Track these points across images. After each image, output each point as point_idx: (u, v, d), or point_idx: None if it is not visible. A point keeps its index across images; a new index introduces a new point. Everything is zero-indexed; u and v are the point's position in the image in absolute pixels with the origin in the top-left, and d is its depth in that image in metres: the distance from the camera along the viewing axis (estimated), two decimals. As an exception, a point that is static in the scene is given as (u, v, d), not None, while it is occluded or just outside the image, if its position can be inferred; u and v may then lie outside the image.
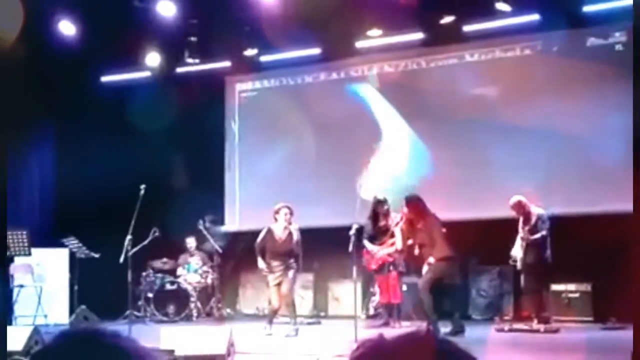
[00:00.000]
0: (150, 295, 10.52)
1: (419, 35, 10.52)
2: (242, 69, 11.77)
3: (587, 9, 9.56)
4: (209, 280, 10.92)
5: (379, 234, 9.24)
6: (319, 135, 11.40)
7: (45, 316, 9.73)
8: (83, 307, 10.05)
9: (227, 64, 11.66)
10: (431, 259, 8.15)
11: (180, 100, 10.97)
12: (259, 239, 8.73)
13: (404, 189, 9.47)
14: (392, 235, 9.16)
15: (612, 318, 8.51)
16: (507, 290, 9.76)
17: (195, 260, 11.00)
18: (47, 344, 1.15)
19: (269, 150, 11.64)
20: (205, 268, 10.94)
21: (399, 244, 8.45)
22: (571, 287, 9.33)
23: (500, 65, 10.39)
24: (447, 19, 9.94)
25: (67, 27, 10.40)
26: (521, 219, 8.75)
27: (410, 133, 10.81)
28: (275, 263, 8.59)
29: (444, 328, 7.96)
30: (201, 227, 10.86)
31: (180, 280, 10.70)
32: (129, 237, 8.20)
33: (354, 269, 7.66)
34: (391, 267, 9.16)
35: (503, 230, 8.96)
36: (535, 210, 8.71)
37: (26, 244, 9.24)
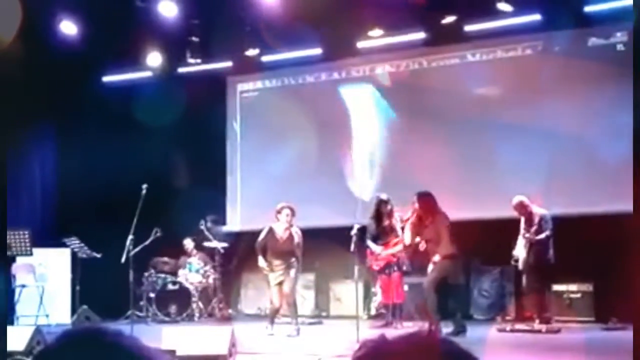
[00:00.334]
0: (152, 295, 10.53)
1: (420, 35, 10.52)
2: (243, 69, 11.78)
3: (589, 9, 9.55)
4: (211, 281, 10.92)
5: (383, 233, 9.23)
6: (321, 135, 11.40)
7: (47, 316, 9.73)
8: (85, 307, 10.06)
9: (228, 64, 11.67)
10: (437, 257, 8.13)
11: (181, 101, 10.98)
12: (260, 238, 8.73)
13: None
14: (396, 235, 9.14)
15: (613, 318, 8.51)
16: (509, 290, 9.75)
17: (197, 261, 11.00)
18: (49, 343, 1.15)
19: (270, 150, 11.64)
20: (206, 268, 10.94)
21: (407, 240, 8.41)
22: (573, 287, 9.32)
23: (502, 65, 10.38)
24: (449, 19, 9.94)
25: (68, 27, 10.40)
26: (523, 220, 8.74)
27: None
28: (276, 262, 8.59)
29: (446, 328, 7.96)
30: (203, 227, 10.86)
31: (182, 280, 10.70)
32: (130, 237, 8.21)
33: (356, 269, 7.66)
34: (395, 268, 9.16)
35: (505, 230, 8.96)
36: (538, 210, 8.70)
37: (28, 244, 9.25)
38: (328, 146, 11.31)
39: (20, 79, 9.53)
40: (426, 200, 8.32)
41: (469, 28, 10.13)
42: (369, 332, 7.53)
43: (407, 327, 8.74)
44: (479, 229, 9.15)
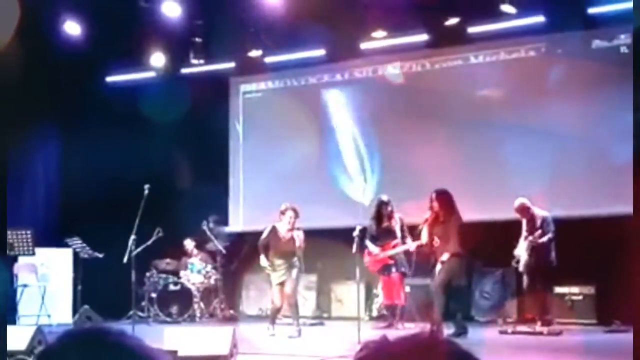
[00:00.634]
0: (153, 295, 10.53)
1: (423, 37, 10.51)
2: (246, 70, 11.78)
3: (592, 11, 9.54)
4: (213, 281, 10.92)
5: (382, 235, 9.24)
6: (323, 136, 11.41)
7: (49, 316, 9.74)
8: (86, 307, 10.06)
9: (231, 64, 11.68)
10: (445, 256, 8.09)
11: (184, 101, 10.99)
12: (262, 237, 8.73)
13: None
14: (395, 237, 9.17)
15: (615, 321, 8.49)
16: (511, 292, 9.74)
17: (199, 261, 11.00)
18: (52, 343, 1.15)
19: (273, 151, 11.64)
20: (208, 269, 10.94)
21: (424, 239, 8.39)
22: (575, 289, 9.31)
23: (505, 67, 10.38)
24: (452, 21, 9.94)
25: (72, 28, 10.42)
26: (525, 222, 8.73)
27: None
28: (278, 262, 8.59)
29: (447, 329, 7.95)
30: (205, 227, 10.87)
31: (183, 280, 10.71)
32: (132, 237, 8.21)
33: (358, 270, 7.66)
34: (393, 269, 9.16)
35: (507, 231, 8.95)
36: (539, 212, 8.69)
37: (30, 244, 9.26)
38: (329, 147, 11.33)
39: (23, 79, 9.54)
40: (444, 198, 8.29)
41: (472, 30, 10.12)
42: (371, 333, 7.53)
43: (408, 329, 8.74)
44: (481, 230, 9.13)
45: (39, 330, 6.74)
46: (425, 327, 8.11)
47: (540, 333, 8.23)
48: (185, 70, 11.60)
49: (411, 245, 9.05)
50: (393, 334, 1.09)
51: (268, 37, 10.52)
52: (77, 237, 10.30)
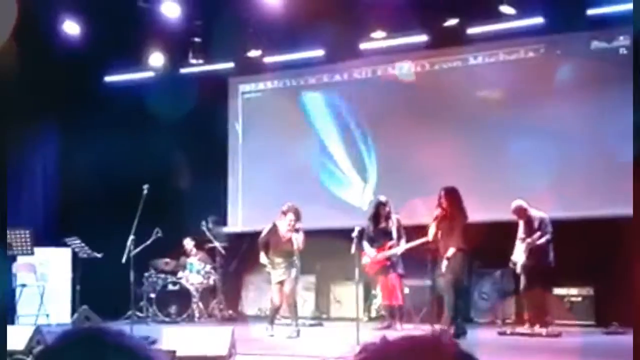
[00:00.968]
0: (152, 295, 10.53)
1: (422, 38, 10.52)
2: (245, 70, 11.78)
3: (591, 12, 9.54)
4: (211, 281, 10.92)
5: (378, 235, 9.24)
6: (322, 137, 11.41)
7: (47, 315, 9.74)
8: (85, 307, 10.05)
9: (230, 64, 11.67)
10: (450, 251, 8.04)
11: (183, 101, 10.98)
12: (263, 233, 8.73)
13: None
14: (391, 238, 9.19)
15: (614, 322, 8.49)
16: (509, 293, 9.74)
17: (197, 261, 11.00)
18: (51, 342, 1.15)
19: (272, 151, 11.64)
20: (207, 269, 10.94)
21: (430, 235, 8.37)
22: (573, 291, 9.32)
23: (504, 68, 10.38)
24: (451, 22, 9.94)
25: (71, 27, 10.41)
26: (522, 223, 8.72)
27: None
28: (278, 260, 8.59)
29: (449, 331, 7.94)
30: (204, 227, 10.87)
31: (182, 280, 10.70)
32: (131, 237, 8.21)
33: (357, 270, 7.65)
34: (390, 270, 9.17)
35: (506, 232, 8.94)
36: (537, 214, 8.68)
37: (29, 243, 9.25)
38: (329, 148, 11.33)
39: (23, 79, 9.54)
40: (453, 196, 8.27)
41: (471, 31, 10.12)
42: (369, 334, 7.52)
43: (407, 329, 8.74)
44: (480, 231, 9.13)
45: (38, 330, 6.74)
46: (425, 328, 8.14)
47: (539, 334, 8.23)
48: (184, 70, 11.60)
49: (400, 248, 9.05)
50: (392, 334, 1.09)
51: (267, 38, 10.52)
52: (76, 236, 10.29)
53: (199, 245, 11.15)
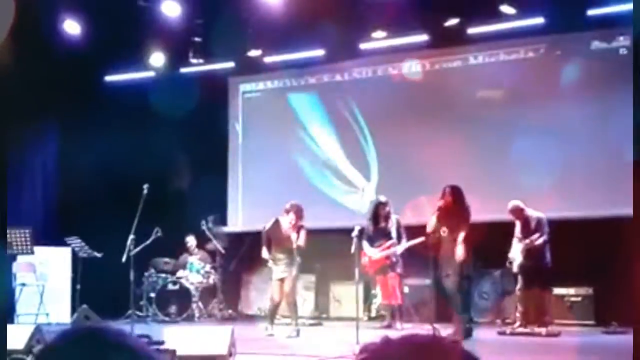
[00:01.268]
0: (152, 295, 10.53)
1: (423, 38, 10.52)
2: (245, 70, 11.78)
3: (592, 12, 9.55)
4: (211, 281, 10.92)
5: (378, 235, 9.25)
6: (322, 136, 11.42)
7: (47, 315, 9.74)
8: (85, 306, 10.04)
9: (231, 64, 11.68)
10: (460, 236, 7.96)
11: (184, 101, 10.98)
12: (266, 228, 8.74)
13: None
14: (390, 238, 9.19)
15: (613, 322, 8.50)
16: (509, 293, 9.74)
17: (197, 260, 11.01)
18: (52, 341, 1.15)
19: (272, 151, 11.65)
20: (207, 268, 10.94)
21: (429, 227, 8.34)
22: (573, 290, 9.32)
23: (504, 68, 10.38)
24: (452, 22, 9.94)
25: (71, 27, 10.41)
26: (519, 224, 8.72)
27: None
28: (279, 255, 8.60)
29: (448, 330, 7.94)
30: (204, 227, 10.87)
31: (182, 280, 10.71)
32: (131, 236, 8.21)
33: (356, 270, 7.65)
34: (389, 269, 9.17)
35: (506, 232, 8.94)
36: (534, 214, 8.67)
37: (29, 243, 9.25)
38: (329, 147, 11.33)
39: (23, 78, 9.54)
40: (457, 194, 8.24)
41: (471, 31, 10.13)
42: (369, 333, 7.52)
43: (407, 329, 8.74)
44: (480, 230, 9.13)
45: (38, 329, 6.73)
46: (424, 327, 8.13)
47: (539, 334, 8.23)
48: (184, 70, 11.60)
49: (401, 246, 9.04)
50: (392, 334, 1.09)
51: (267, 37, 10.51)
52: (76, 236, 10.29)
53: (200, 244, 11.16)
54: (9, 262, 8.82)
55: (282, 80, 11.87)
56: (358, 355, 1.04)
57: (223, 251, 11.00)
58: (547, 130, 9.77)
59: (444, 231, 8.10)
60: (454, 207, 8.09)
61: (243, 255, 11.32)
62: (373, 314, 10.16)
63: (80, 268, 10.34)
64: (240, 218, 11.91)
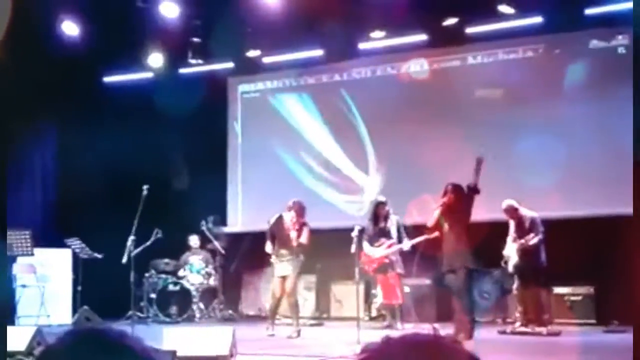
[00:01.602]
0: (152, 296, 10.53)
1: (422, 37, 10.52)
2: (244, 70, 11.79)
3: (590, 11, 9.56)
4: (212, 281, 10.92)
5: (378, 235, 9.25)
6: (321, 136, 11.42)
7: (48, 316, 9.73)
8: (85, 307, 10.06)
9: (229, 64, 11.68)
10: (461, 244, 7.91)
11: (182, 101, 10.98)
12: (270, 223, 8.75)
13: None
14: (390, 237, 9.19)
15: (614, 321, 8.51)
16: (510, 292, 9.73)
17: (198, 261, 11.00)
18: (53, 343, 1.15)
19: (271, 151, 11.65)
20: (207, 269, 10.95)
21: (429, 222, 8.31)
22: (573, 289, 9.32)
23: (503, 68, 10.38)
24: (450, 21, 9.95)
25: (70, 28, 10.41)
26: (513, 223, 8.71)
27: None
28: (282, 252, 8.60)
29: (449, 330, 7.92)
30: (204, 227, 10.87)
31: (182, 281, 10.71)
32: (131, 237, 8.21)
33: (357, 270, 7.65)
34: (389, 269, 9.17)
35: (505, 232, 8.94)
36: (528, 213, 8.67)
37: (29, 244, 9.25)
38: (328, 147, 11.34)
39: (21, 79, 9.54)
40: (459, 192, 8.22)
41: (470, 30, 10.13)
42: (370, 333, 7.52)
43: (407, 329, 8.74)
44: (480, 230, 9.13)
45: (39, 330, 6.73)
46: (425, 327, 8.13)
47: (540, 333, 8.23)
48: (183, 70, 11.60)
49: (406, 244, 9.04)
50: (393, 334, 1.09)
51: (266, 37, 10.52)
52: (76, 237, 10.29)
53: (200, 245, 11.16)
54: (9, 264, 8.81)
55: (281, 80, 11.87)
56: (359, 355, 1.04)
57: (223, 251, 11.00)
58: (546, 129, 9.77)
59: (446, 227, 8.09)
60: (456, 205, 8.08)
61: (243, 255, 11.32)
62: (374, 313, 10.16)
63: (81, 269, 10.34)
64: (240, 218, 11.91)
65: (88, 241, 10.27)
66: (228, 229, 11.69)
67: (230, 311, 10.88)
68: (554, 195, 9.38)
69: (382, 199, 9.45)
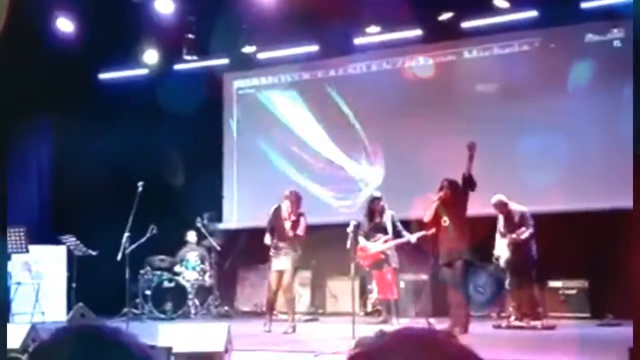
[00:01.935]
0: (148, 292, 10.52)
1: (417, 32, 10.52)
2: (240, 66, 11.77)
3: (585, 5, 9.56)
4: (207, 278, 10.92)
5: (374, 231, 9.25)
6: (317, 132, 11.41)
7: (43, 313, 9.72)
8: (80, 304, 10.03)
9: (225, 60, 11.66)
10: (458, 235, 7.92)
11: (177, 98, 10.96)
12: (270, 214, 8.75)
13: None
14: (386, 233, 9.19)
15: (608, 314, 8.53)
16: (504, 286, 9.75)
17: (194, 257, 11.00)
18: (46, 339, 1.14)
19: (267, 147, 11.63)
20: (203, 265, 10.94)
21: (426, 217, 8.32)
22: (568, 283, 9.34)
23: (499, 62, 10.39)
24: (445, 16, 9.94)
25: (64, 25, 10.37)
26: (502, 218, 8.72)
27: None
28: (281, 244, 8.60)
29: (444, 324, 7.94)
30: (199, 224, 10.86)
31: (178, 277, 10.70)
32: (126, 234, 8.19)
33: (352, 266, 7.66)
34: (385, 264, 9.18)
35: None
36: (518, 208, 8.68)
37: (24, 241, 9.23)
38: (324, 143, 11.33)
39: (16, 76, 9.50)
40: (455, 187, 8.23)
41: (465, 25, 10.13)
42: (365, 329, 7.53)
43: (403, 324, 8.75)
44: (474, 224, 9.14)
45: (33, 328, 6.72)
46: (420, 322, 8.14)
47: (534, 327, 8.25)
48: (178, 67, 11.58)
49: (412, 237, 9.01)
50: (388, 329, 1.08)
51: (261, 33, 10.50)
52: (71, 234, 10.27)
53: (197, 241, 11.15)
54: (7, 260, 8.79)
55: (276, 76, 11.85)
56: (353, 349, 1.03)
57: (218, 248, 10.99)
58: (542, 123, 9.78)
59: (444, 221, 8.10)
60: (452, 199, 8.10)
61: (238, 251, 11.31)
62: (369, 309, 10.17)
63: (76, 266, 10.32)
64: (235, 215, 11.90)
65: (83, 238, 10.25)
66: (223, 225, 11.68)
67: (225, 307, 10.88)
68: (549, 189, 9.39)
69: (377, 194, 9.45)
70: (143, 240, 9.34)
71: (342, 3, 9.77)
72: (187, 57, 11.03)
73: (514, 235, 8.55)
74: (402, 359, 0.98)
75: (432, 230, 8.45)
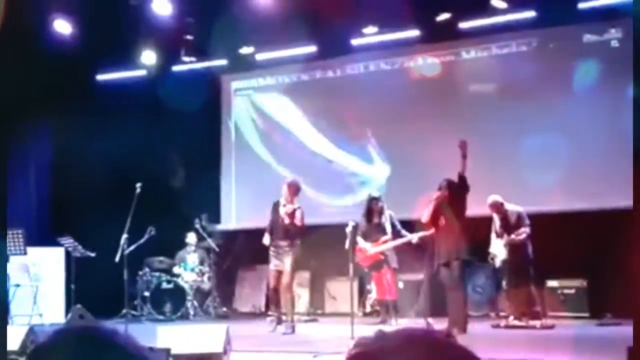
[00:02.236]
0: (146, 294, 10.51)
1: (415, 33, 10.52)
2: (238, 67, 11.77)
3: (583, 5, 9.58)
4: (206, 279, 10.91)
5: (372, 231, 9.25)
6: (315, 133, 11.41)
7: (41, 315, 9.70)
8: (79, 306, 10.02)
9: (223, 62, 11.66)
10: (459, 252, 7.91)
11: (176, 99, 10.96)
12: (270, 213, 8.75)
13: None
14: (385, 233, 9.18)
15: (607, 314, 8.54)
16: (503, 286, 9.75)
17: (192, 259, 10.99)
18: (44, 341, 1.14)
19: (265, 148, 11.63)
20: (201, 267, 10.94)
21: (424, 218, 8.31)
22: (567, 283, 9.35)
23: (497, 62, 10.40)
24: (443, 16, 9.95)
25: (62, 26, 10.37)
26: (498, 218, 8.73)
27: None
28: (281, 243, 8.59)
29: (443, 325, 7.94)
30: (197, 225, 10.85)
31: (176, 279, 10.69)
32: (125, 236, 8.19)
33: (351, 266, 7.66)
34: (384, 265, 9.18)
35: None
36: (514, 208, 8.69)
37: (22, 243, 9.22)
38: (322, 143, 11.33)
39: (14, 78, 9.48)
40: (454, 187, 8.22)
41: (463, 25, 10.14)
42: (364, 329, 7.53)
43: (402, 324, 8.75)
44: (473, 224, 9.15)
45: (32, 330, 6.72)
46: (419, 322, 8.14)
47: (533, 327, 8.26)
48: (176, 68, 11.57)
49: (413, 237, 9.01)
50: (386, 329, 1.08)
51: (259, 34, 10.50)
52: (69, 236, 10.26)
53: (197, 243, 11.15)
54: (6, 261, 8.78)
55: (274, 77, 11.86)
56: (352, 349, 1.03)
57: (217, 249, 10.99)
58: (540, 123, 9.78)
59: (442, 222, 8.10)
60: (451, 199, 8.10)
61: (237, 252, 11.31)
62: (368, 309, 10.17)
63: (74, 268, 10.30)
64: (233, 216, 11.90)
65: (81, 239, 10.24)
66: (222, 226, 11.67)
67: (224, 309, 10.88)
68: (548, 189, 9.40)
69: (375, 194, 9.44)
70: (142, 241, 9.33)
71: (340, 4, 9.77)
72: (185, 58, 11.03)
73: (512, 236, 8.55)
74: None
75: (426, 232, 8.46)
